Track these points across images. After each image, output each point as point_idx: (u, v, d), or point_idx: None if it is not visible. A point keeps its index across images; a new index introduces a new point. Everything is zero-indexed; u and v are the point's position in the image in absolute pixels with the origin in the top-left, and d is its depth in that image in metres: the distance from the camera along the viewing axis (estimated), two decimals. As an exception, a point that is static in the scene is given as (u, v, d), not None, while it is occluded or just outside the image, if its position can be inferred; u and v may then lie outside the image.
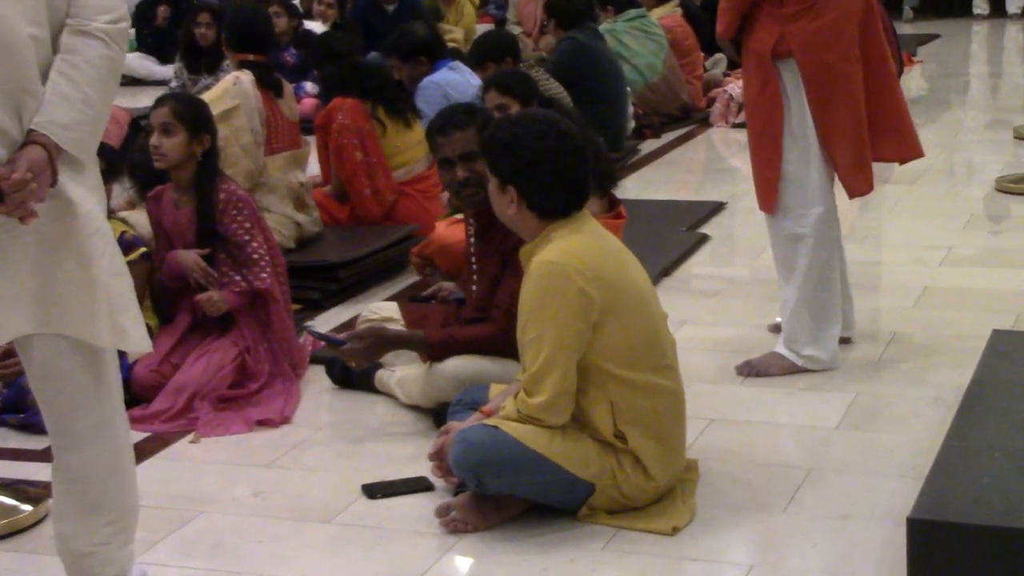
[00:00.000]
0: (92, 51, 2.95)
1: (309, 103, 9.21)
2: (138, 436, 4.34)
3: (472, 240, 4.56)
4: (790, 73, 4.65)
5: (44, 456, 4.22)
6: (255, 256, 4.90)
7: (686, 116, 9.84)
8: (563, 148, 3.72)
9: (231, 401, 4.68)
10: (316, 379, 4.94)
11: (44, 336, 3.00)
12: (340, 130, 6.38)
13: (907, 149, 4.88)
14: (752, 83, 4.79)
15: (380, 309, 4.93)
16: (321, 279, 5.88)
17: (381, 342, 4.45)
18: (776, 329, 5.16)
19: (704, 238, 6.71)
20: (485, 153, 3.86)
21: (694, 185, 8.41)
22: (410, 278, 6.04)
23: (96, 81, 2.95)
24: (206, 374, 4.73)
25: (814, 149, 4.69)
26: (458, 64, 7.48)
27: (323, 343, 4.75)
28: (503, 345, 4.23)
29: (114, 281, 3.00)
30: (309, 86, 9.97)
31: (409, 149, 6.57)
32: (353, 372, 4.79)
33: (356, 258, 6.01)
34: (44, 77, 2.92)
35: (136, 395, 4.65)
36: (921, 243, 6.49)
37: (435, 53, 7.47)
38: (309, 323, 5.38)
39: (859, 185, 4.79)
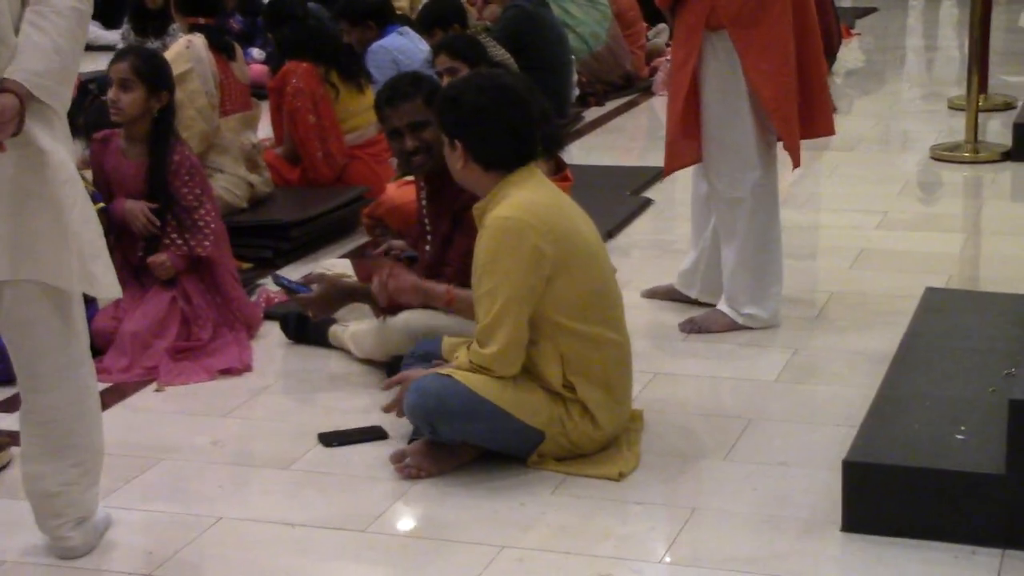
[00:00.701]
0: (61, 3, 3.03)
1: (257, 69, 9.22)
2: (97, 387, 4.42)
3: (424, 202, 4.65)
4: (724, 44, 4.74)
5: (5, 406, 4.31)
6: (201, 223, 4.96)
7: (629, 85, 9.94)
8: (504, 100, 3.81)
9: (187, 352, 4.77)
10: (271, 334, 5.02)
11: (14, 282, 3.10)
12: (294, 93, 6.43)
13: (827, 124, 4.98)
14: (679, 50, 4.87)
15: (333, 266, 5.01)
16: (273, 238, 5.95)
17: (338, 291, 4.55)
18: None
19: (648, 202, 6.83)
20: (433, 110, 3.96)
21: (637, 151, 8.51)
22: (361, 238, 6.13)
23: (66, 32, 3.03)
24: (144, 323, 4.78)
25: (749, 117, 4.78)
26: (407, 30, 7.54)
27: (286, 293, 4.80)
28: (454, 301, 4.33)
29: (84, 229, 3.09)
30: (256, 52, 10.01)
31: (361, 113, 6.62)
32: (308, 328, 4.88)
33: (308, 218, 6.08)
34: (15, 29, 3.00)
35: (95, 345, 4.71)
36: (858, 208, 6.64)
37: (384, 18, 7.53)
38: (278, 272, 5.41)
39: (796, 156, 4.88)
